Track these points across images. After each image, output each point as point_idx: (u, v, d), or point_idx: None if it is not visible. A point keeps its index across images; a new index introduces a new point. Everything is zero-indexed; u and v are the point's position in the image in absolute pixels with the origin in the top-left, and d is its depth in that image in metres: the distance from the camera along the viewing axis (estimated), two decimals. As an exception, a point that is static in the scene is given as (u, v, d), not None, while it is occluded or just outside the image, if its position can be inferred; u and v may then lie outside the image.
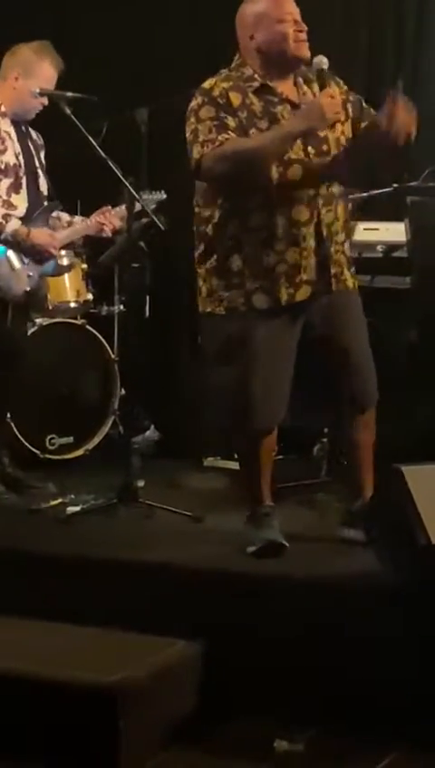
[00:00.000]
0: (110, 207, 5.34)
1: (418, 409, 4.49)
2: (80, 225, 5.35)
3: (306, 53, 4.17)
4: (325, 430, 5.30)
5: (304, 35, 4.16)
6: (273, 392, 4.17)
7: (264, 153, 4.07)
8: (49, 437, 5.82)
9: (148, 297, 6.29)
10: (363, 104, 4.34)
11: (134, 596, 4.03)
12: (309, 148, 4.15)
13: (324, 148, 4.18)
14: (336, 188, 4.23)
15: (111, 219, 5.31)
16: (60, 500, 4.98)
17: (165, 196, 5.62)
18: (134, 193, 4.83)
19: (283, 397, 4.20)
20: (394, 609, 3.67)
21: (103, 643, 3.86)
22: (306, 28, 4.17)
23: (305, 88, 4.25)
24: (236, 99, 4.13)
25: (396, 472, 3.70)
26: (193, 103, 4.18)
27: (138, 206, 4.91)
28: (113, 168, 4.78)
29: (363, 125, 4.28)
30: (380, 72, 6.28)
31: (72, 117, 4.82)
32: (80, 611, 3.98)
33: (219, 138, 4.08)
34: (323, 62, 4.16)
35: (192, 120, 4.15)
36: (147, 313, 6.31)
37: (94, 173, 4.96)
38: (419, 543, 3.58)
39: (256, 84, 4.17)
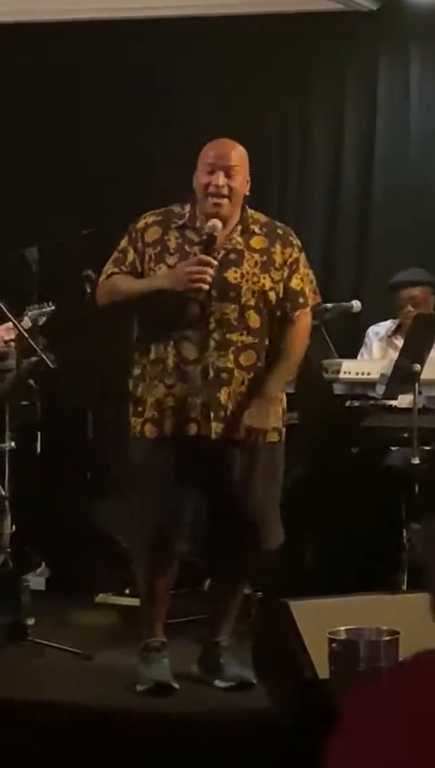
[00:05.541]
0: None
1: (303, 543, 4.55)
2: None
3: (215, 211, 4.12)
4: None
5: (222, 191, 4.11)
6: (165, 521, 4.16)
7: (133, 299, 4.20)
8: None
9: (39, 433, 6.29)
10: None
11: (22, 735, 3.96)
12: (212, 292, 4.13)
13: (231, 294, 4.15)
14: (246, 338, 4.18)
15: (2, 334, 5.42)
16: None
17: (53, 307, 5.57)
18: (23, 332, 4.88)
19: (178, 528, 4.18)
20: (285, 744, 3.66)
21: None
22: (231, 185, 4.11)
23: (239, 239, 4.20)
24: (154, 234, 4.19)
25: (283, 606, 3.72)
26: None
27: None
28: (2, 307, 4.84)
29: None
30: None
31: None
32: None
33: (111, 270, 4.21)
34: (216, 227, 4.10)
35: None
36: (38, 449, 6.30)
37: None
38: (306, 678, 3.60)
39: (181, 222, 4.21)
